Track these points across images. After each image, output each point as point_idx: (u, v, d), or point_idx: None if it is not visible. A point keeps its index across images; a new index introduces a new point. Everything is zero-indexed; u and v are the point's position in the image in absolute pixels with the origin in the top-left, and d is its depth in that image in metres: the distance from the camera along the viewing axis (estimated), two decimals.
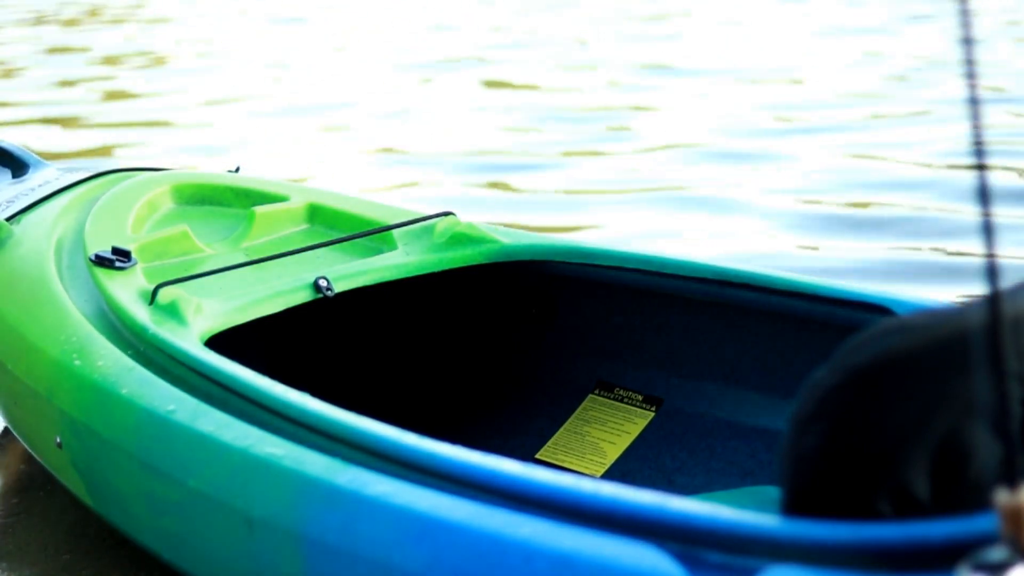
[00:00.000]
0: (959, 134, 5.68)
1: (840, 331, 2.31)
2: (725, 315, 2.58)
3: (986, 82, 6.67)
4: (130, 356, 2.35)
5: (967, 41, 1.31)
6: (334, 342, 2.88)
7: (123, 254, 2.59)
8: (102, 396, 2.32)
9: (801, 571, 1.48)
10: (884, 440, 1.53)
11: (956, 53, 7.56)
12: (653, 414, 2.69)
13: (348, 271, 2.54)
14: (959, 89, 6.62)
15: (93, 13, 11.77)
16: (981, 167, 1.32)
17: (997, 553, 1.29)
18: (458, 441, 1.97)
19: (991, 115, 5.98)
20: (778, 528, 1.53)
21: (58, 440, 2.45)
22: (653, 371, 2.71)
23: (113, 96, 7.52)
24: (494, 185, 5.26)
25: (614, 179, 5.24)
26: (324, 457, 1.96)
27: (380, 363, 2.90)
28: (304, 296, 2.48)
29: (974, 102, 1.32)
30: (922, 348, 1.55)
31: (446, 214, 2.72)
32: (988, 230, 1.31)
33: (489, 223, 2.78)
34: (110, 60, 8.91)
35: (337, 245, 2.69)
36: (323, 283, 2.49)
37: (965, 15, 1.28)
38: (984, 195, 1.30)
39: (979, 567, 1.29)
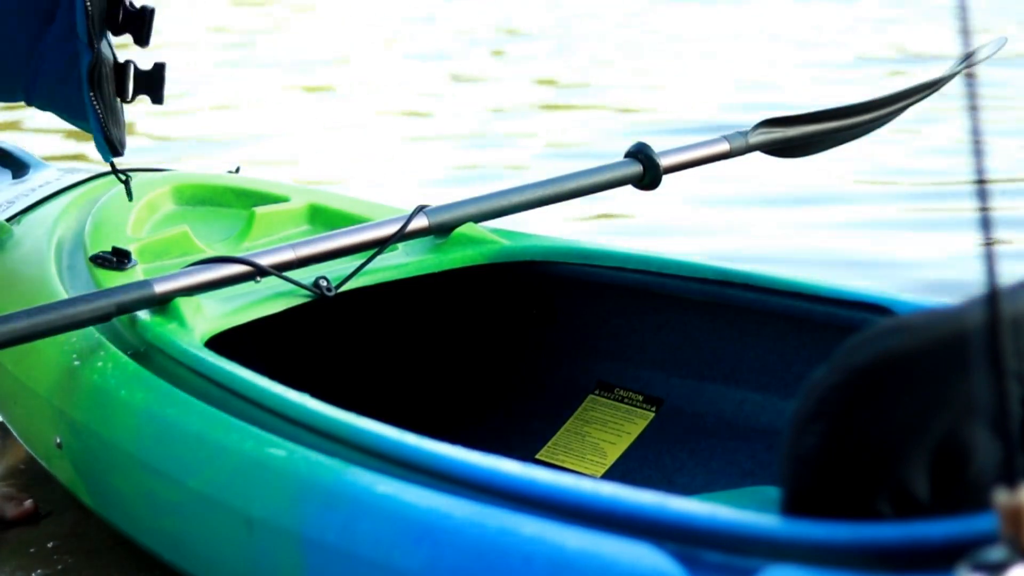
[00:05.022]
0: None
1: (840, 331, 2.31)
2: (725, 315, 2.58)
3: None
4: (130, 357, 2.35)
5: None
6: (334, 343, 2.89)
7: (123, 255, 2.59)
8: (102, 396, 2.32)
9: (801, 571, 1.49)
10: (884, 440, 1.53)
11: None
12: (653, 414, 2.69)
13: (348, 271, 2.54)
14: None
15: None
16: (979, 166, 1.32)
17: (996, 553, 1.30)
18: (458, 441, 1.98)
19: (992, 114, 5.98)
20: (778, 528, 1.53)
21: (58, 440, 2.45)
22: (653, 371, 2.71)
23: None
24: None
25: None
26: (324, 457, 1.96)
27: (380, 363, 2.90)
28: (304, 297, 2.48)
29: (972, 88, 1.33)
30: (922, 348, 1.55)
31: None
32: (987, 228, 1.31)
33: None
34: None
35: None
36: (323, 283, 2.49)
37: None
38: (983, 193, 1.31)
39: (978, 567, 1.30)
